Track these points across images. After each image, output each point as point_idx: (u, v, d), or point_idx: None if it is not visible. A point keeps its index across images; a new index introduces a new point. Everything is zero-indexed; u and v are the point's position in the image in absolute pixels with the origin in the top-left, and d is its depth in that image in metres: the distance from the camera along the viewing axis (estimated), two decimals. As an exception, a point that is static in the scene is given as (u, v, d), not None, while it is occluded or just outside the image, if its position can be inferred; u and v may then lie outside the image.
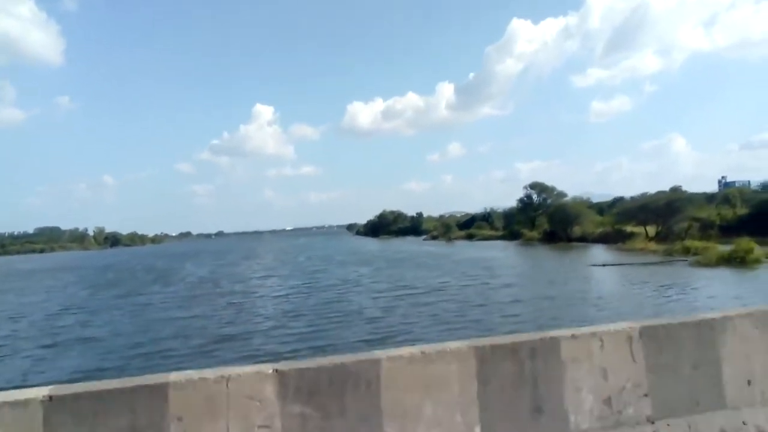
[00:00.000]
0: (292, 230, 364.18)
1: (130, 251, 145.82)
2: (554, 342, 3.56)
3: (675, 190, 66.04)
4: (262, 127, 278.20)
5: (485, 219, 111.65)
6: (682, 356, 3.72)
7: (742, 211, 56.09)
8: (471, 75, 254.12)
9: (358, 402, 3.20)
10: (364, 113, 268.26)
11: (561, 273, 33.38)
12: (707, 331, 3.81)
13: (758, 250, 31.83)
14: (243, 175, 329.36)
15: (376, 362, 3.28)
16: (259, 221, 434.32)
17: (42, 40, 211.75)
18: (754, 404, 3.79)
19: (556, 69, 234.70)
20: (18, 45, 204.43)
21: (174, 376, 3.08)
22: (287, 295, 28.71)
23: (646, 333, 3.70)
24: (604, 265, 34.59)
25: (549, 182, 78.55)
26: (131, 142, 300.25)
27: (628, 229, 55.56)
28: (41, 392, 2.88)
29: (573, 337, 3.62)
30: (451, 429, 3.32)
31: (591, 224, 61.40)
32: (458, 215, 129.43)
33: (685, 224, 50.27)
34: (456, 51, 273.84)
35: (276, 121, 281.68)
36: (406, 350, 3.39)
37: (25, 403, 2.83)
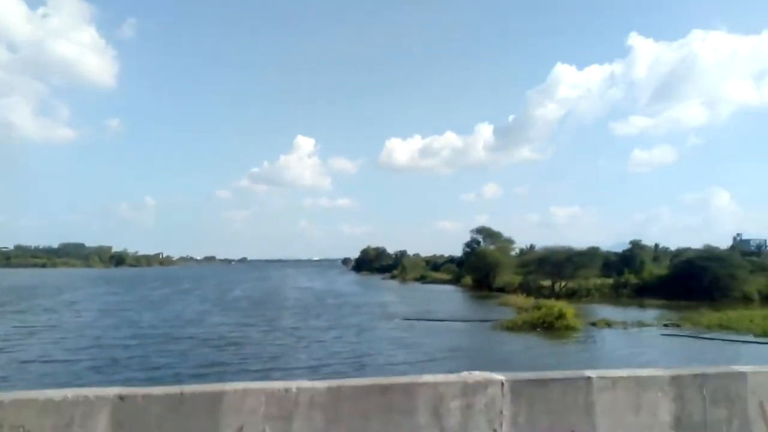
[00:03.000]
0: (318, 260, 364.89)
1: (123, 271, 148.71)
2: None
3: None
4: (302, 158, 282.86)
5: (460, 263, 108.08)
6: None
7: (662, 271, 51.36)
8: (511, 117, 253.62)
9: None
10: (402, 150, 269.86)
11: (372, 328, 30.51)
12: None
13: (573, 316, 28.04)
14: (279, 204, 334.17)
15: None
16: (288, 250, 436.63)
17: (97, 64, 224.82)
18: None
19: (598, 116, 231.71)
20: (74, 68, 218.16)
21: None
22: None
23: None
24: (406, 320, 31.50)
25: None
26: (177, 166, 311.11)
27: (543, 282, 51.66)
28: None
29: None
30: None
31: (509, 274, 57.76)
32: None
33: (585, 281, 46.24)
34: (496, 93, 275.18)
35: (316, 152, 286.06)
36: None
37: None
